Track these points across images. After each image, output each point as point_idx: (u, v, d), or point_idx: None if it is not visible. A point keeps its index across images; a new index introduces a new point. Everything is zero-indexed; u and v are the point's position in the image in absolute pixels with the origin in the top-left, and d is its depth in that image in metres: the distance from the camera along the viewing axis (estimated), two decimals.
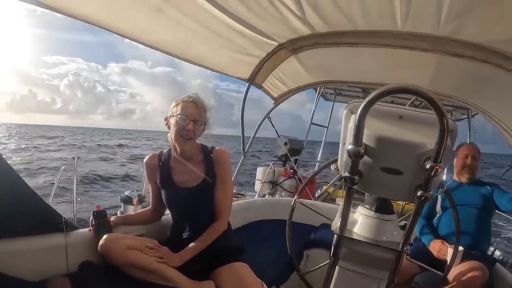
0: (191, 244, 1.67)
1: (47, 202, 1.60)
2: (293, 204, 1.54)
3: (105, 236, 1.58)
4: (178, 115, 1.66)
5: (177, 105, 1.71)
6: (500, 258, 3.39)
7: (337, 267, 1.14)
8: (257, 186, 6.19)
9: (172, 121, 1.69)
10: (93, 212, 1.69)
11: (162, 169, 1.81)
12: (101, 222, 1.68)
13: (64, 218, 1.58)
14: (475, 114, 6.30)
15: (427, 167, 0.77)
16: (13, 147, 31.91)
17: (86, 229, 1.69)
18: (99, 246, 1.56)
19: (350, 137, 0.83)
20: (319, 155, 8.37)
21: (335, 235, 1.08)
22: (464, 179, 2.48)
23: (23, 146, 32.79)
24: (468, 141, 5.51)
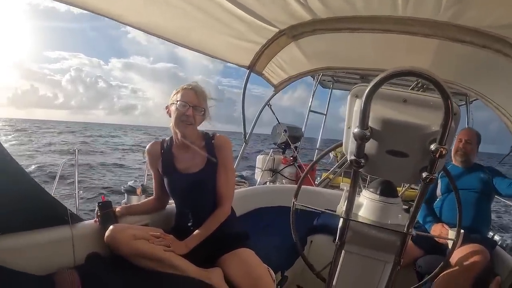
0: (196, 232, 1.69)
1: (51, 195, 1.59)
2: (296, 190, 1.55)
3: (111, 227, 1.58)
4: (178, 102, 1.68)
5: (177, 93, 1.73)
6: (500, 242, 3.42)
7: (343, 251, 1.16)
8: (257, 174, 6.21)
9: (173, 108, 1.71)
10: (99, 203, 1.69)
11: (164, 156, 1.82)
12: (107, 212, 1.69)
13: (70, 210, 1.57)
14: (474, 100, 6.33)
15: (432, 149, 0.78)
16: (59, 142, 32.20)
17: (92, 221, 1.69)
18: (105, 237, 1.56)
19: (355, 121, 0.84)
20: (318, 142, 8.43)
21: (341, 219, 1.09)
22: (458, 162, 2.50)
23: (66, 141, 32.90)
24: (466, 127, 5.54)
